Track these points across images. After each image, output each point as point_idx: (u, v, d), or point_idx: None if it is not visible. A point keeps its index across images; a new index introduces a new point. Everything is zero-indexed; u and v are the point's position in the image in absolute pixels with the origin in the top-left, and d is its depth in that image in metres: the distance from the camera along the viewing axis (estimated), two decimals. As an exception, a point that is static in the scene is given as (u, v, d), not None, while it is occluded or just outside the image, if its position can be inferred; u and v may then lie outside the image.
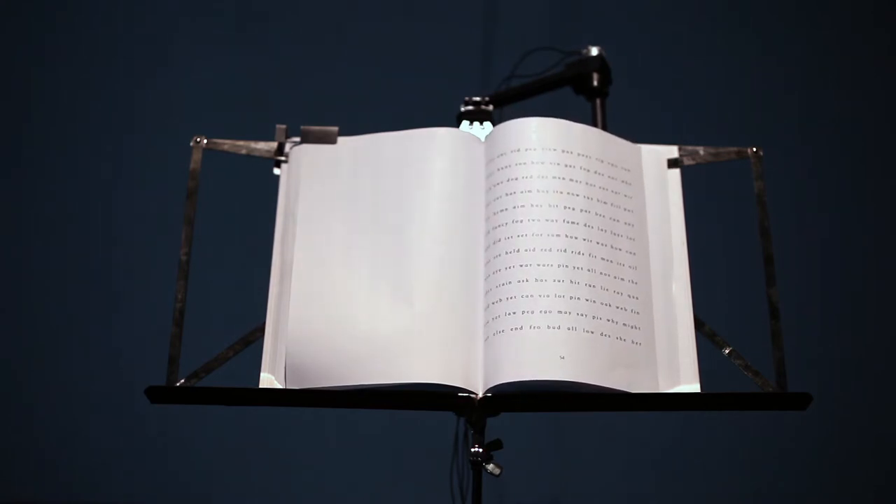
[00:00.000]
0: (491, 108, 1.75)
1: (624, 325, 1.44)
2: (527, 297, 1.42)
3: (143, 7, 2.79)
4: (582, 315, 1.42)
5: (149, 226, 2.63)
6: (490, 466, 1.43)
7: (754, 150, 1.58)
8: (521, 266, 1.44)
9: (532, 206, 1.48)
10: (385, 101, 2.72)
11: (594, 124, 1.77)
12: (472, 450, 1.42)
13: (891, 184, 2.74)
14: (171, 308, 1.46)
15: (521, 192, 1.49)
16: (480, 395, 1.40)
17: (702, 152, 1.59)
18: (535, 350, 1.39)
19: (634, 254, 1.49)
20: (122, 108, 2.72)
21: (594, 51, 1.84)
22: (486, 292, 1.45)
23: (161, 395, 1.42)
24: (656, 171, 1.57)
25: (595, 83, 1.82)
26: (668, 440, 2.55)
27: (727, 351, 1.47)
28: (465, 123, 1.75)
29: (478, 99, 1.75)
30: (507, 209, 1.49)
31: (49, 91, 2.73)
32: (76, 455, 2.52)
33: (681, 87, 2.79)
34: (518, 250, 1.45)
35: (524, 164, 1.51)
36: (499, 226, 1.48)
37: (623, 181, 1.54)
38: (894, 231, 2.71)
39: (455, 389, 1.39)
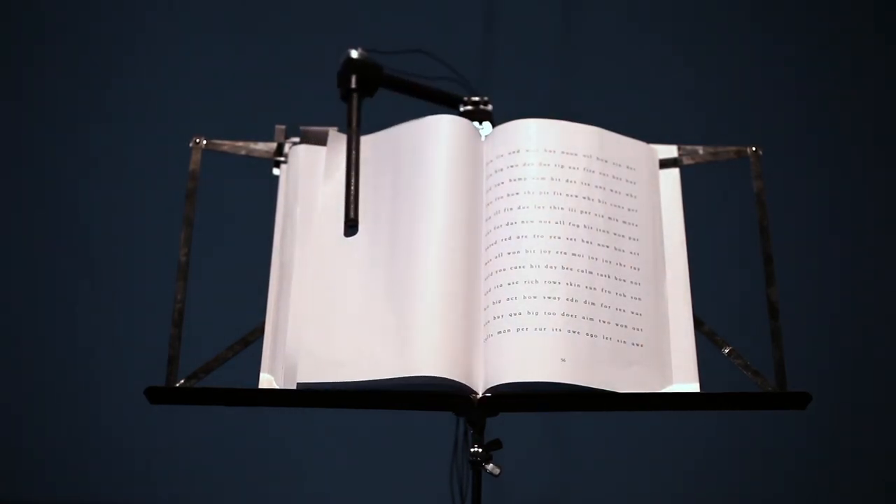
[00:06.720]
0: (490, 107, 1.74)
1: (625, 327, 1.44)
2: (529, 298, 1.42)
3: (143, 6, 2.79)
4: (584, 318, 1.42)
5: (148, 226, 2.63)
6: (490, 466, 1.43)
7: (753, 149, 1.58)
8: (522, 267, 1.44)
9: (533, 207, 1.48)
10: (384, 100, 2.71)
11: (348, 124, 1.62)
12: (472, 450, 1.42)
13: (891, 183, 2.73)
14: (170, 308, 1.46)
15: (522, 192, 1.49)
16: (480, 394, 1.40)
17: (701, 151, 1.59)
18: (537, 352, 1.39)
19: (638, 254, 1.49)
20: (121, 108, 2.72)
21: (353, 53, 1.68)
22: (486, 292, 1.45)
23: (161, 395, 1.41)
24: (655, 171, 1.57)
25: (353, 85, 1.67)
26: (667, 440, 2.55)
27: (727, 350, 1.46)
28: (464, 123, 1.74)
29: (477, 99, 1.75)
30: (507, 209, 1.49)
31: (48, 91, 2.72)
32: (76, 455, 2.52)
33: (681, 86, 2.79)
34: (518, 251, 1.45)
35: (525, 164, 1.51)
36: (500, 226, 1.48)
37: (627, 180, 1.54)
38: (894, 230, 2.71)
39: (456, 385, 1.39)
